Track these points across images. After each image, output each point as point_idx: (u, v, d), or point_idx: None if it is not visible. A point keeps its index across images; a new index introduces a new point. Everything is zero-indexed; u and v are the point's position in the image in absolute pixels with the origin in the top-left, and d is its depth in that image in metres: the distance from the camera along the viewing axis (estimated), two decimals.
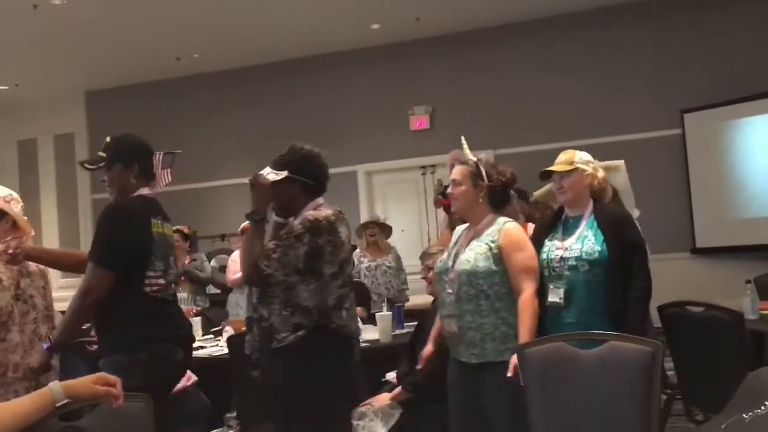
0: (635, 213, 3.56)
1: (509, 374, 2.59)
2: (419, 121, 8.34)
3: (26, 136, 9.93)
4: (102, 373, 1.80)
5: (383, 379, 3.66)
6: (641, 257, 2.92)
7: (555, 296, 2.94)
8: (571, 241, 2.98)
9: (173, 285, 2.93)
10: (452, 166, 7.50)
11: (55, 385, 1.71)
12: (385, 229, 5.80)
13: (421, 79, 8.31)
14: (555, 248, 3.01)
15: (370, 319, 4.63)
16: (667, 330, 3.49)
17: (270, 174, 2.71)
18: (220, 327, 4.95)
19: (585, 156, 3.12)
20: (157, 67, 8.66)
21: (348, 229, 2.82)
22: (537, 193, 4.95)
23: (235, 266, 5.32)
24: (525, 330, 2.70)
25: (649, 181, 6.01)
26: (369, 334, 4.25)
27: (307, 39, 8.06)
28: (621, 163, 3.75)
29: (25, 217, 3.26)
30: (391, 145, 8.28)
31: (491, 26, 8.00)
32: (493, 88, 8.07)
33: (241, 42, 7.99)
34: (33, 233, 3.37)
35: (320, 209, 2.72)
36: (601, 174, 3.10)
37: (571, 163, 3.05)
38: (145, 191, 2.84)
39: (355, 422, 3.00)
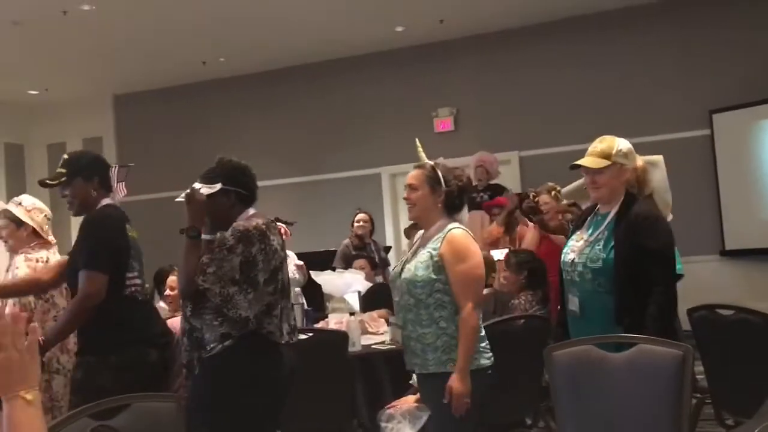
0: (669, 217, 3.30)
1: (445, 400, 2.57)
2: (443, 123, 8.33)
3: (55, 140, 10.05)
4: None
5: (410, 381, 3.65)
6: (661, 267, 2.64)
7: (572, 305, 2.77)
8: (585, 243, 2.76)
9: (146, 285, 3.08)
10: (477, 167, 7.36)
11: None
12: None
13: (445, 80, 8.30)
14: (570, 250, 2.82)
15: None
16: (696, 333, 3.43)
17: (203, 189, 2.69)
18: None
19: (625, 146, 2.79)
20: (184, 71, 8.76)
21: (281, 238, 2.79)
22: (564, 191, 4.64)
23: None
24: (460, 352, 2.59)
25: (677, 183, 5.84)
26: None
27: (332, 42, 8.09)
28: (659, 158, 3.37)
29: (46, 226, 3.37)
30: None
31: (515, 27, 7.97)
32: (518, 89, 8.03)
33: (266, 46, 8.05)
34: (55, 241, 3.47)
35: (252, 219, 2.71)
36: (640, 163, 2.81)
37: (609, 156, 2.75)
38: (107, 201, 3.00)
39: (383, 424, 2.98)
